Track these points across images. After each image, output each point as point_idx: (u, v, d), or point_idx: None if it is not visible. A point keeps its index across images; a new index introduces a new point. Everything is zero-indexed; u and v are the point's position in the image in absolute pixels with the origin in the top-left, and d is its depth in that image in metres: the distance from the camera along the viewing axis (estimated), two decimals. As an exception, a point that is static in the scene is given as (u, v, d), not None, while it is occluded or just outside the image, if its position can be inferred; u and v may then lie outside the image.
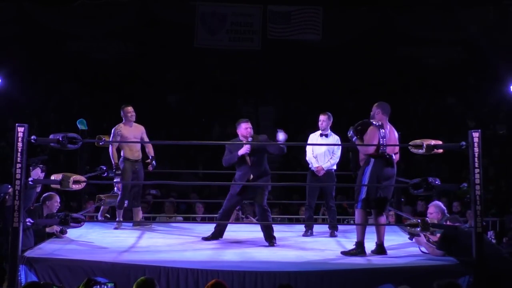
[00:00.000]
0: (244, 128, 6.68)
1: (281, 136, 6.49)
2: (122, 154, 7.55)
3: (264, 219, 6.67)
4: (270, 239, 6.54)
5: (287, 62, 15.51)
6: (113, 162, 7.52)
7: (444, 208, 6.90)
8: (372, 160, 5.95)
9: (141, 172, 7.62)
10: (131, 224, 7.70)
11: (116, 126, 7.56)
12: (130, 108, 7.59)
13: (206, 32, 14.36)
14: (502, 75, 14.04)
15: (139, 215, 7.77)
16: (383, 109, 6.10)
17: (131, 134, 7.51)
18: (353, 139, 6.05)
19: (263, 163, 6.70)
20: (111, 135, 7.50)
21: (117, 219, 7.61)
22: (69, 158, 11.08)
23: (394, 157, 6.06)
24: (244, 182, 6.60)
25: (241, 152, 6.57)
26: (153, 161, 7.72)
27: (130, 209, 7.80)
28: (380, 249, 6.02)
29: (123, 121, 7.58)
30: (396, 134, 6.19)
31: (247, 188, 6.66)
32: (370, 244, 6.06)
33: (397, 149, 6.16)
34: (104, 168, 7.75)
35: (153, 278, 4.37)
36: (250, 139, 6.64)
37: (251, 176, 6.62)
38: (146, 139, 7.65)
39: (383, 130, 5.95)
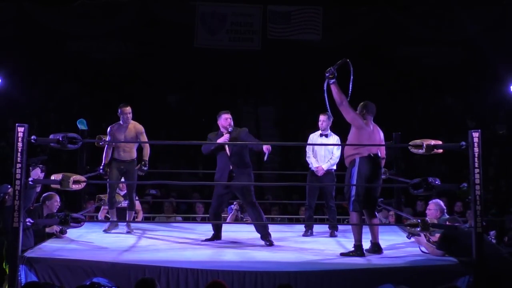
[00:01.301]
0: (224, 119, 6.75)
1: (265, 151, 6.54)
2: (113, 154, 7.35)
3: (256, 216, 6.63)
4: (266, 238, 6.52)
5: (287, 62, 15.51)
6: (102, 162, 7.36)
7: (444, 207, 6.90)
8: (357, 160, 5.93)
9: (130, 173, 7.26)
10: (131, 225, 7.62)
11: (112, 125, 7.34)
12: (127, 109, 7.24)
13: (206, 32, 14.37)
14: (502, 75, 14.05)
15: (130, 217, 7.43)
16: (369, 108, 6.09)
17: (122, 134, 7.24)
18: (330, 81, 5.87)
19: (243, 155, 6.71)
20: (107, 134, 7.35)
21: (110, 220, 7.39)
22: (71, 157, 11.07)
23: (380, 155, 6.04)
24: (225, 172, 6.62)
25: (220, 140, 6.63)
26: (144, 166, 7.28)
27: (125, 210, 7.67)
28: (375, 248, 6.02)
29: (120, 119, 7.32)
30: (382, 134, 6.17)
31: (232, 181, 6.63)
32: (366, 244, 6.05)
33: (383, 149, 6.16)
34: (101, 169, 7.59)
35: (153, 278, 4.38)
36: (230, 129, 6.68)
37: (231, 167, 6.63)
38: (143, 139, 7.33)
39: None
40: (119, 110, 7.30)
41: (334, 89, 5.86)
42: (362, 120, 5.97)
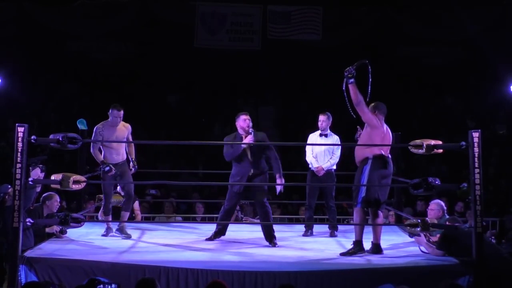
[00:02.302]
0: (243, 120, 6.63)
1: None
2: (102, 156, 6.97)
3: (265, 217, 6.66)
4: (270, 239, 6.54)
5: (287, 62, 15.50)
6: (99, 162, 6.93)
7: (445, 207, 6.90)
8: (370, 159, 5.95)
9: (126, 174, 6.94)
10: (131, 225, 7.57)
11: (98, 125, 6.89)
12: (121, 113, 6.84)
13: (206, 32, 14.36)
14: (502, 75, 14.04)
15: (124, 218, 7.03)
16: (380, 109, 6.11)
17: (113, 136, 6.85)
18: (349, 81, 5.85)
19: (262, 159, 6.67)
20: (93, 134, 6.92)
21: (106, 227, 7.09)
22: (72, 157, 11.07)
23: (390, 157, 6.07)
24: (244, 177, 6.55)
25: (245, 140, 6.52)
26: (134, 166, 7.06)
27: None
28: (376, 249, 6.02)
29: (109, 119, 6.88)
30: (391, 134, 6.18)
31: (248, 186, 6.61)
32: (366, 244, 6.06)
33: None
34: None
35: (154, 278, 4.38)
36: (251, 130, 6.55)
37: (251, 172, 6.56)
38: (131, 138, 7.07)
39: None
40: (111, 111, 6.90)
41: (352, 89, 5.86)
42: (377, 120, 6.00)
